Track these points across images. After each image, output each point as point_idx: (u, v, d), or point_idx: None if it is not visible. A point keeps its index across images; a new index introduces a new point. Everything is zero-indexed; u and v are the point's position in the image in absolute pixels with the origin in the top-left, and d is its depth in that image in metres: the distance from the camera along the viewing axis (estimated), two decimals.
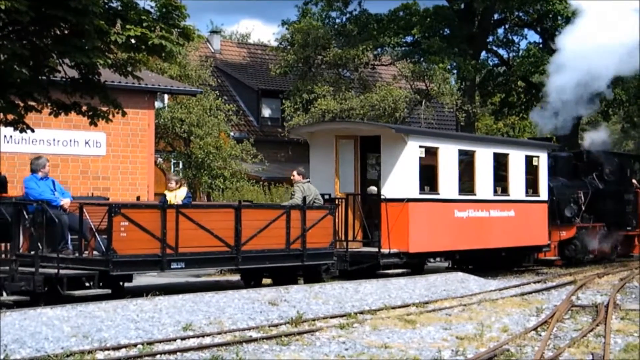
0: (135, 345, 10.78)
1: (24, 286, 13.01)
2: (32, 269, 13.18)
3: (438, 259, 22.35)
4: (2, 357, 9.83)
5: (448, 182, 19.80)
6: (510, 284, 19.24)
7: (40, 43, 14.31)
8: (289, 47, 36.44)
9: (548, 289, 18.54)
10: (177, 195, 16.38)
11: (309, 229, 16.73)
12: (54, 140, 21.69)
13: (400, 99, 31.91)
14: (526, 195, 22.23)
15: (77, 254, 14.24)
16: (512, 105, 43.40)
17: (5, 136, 20.43)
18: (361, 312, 14.07)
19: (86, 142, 22.30)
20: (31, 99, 15.18)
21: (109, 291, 13.80)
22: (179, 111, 28.29)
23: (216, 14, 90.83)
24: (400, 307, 14.97)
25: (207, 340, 11.34)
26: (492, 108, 45.45)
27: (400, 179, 18.81)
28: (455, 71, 36.31)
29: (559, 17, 35.99)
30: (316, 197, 17.71)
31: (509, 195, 21.67)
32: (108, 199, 19.00)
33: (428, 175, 19.38)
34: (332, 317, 13.52)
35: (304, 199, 17.19)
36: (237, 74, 41.32)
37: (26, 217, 13.96)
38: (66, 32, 13.98)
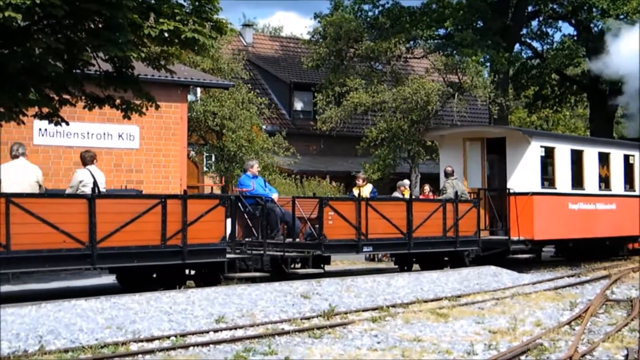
0: (168, 337, 10.85)
1: (253, 265, 15.34)
2: (261, 252, 15.61)
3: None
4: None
5: (563, 177, 22.28)
6: (544, 278, 19.12)
7: (74, 37, 14.40)
8: (321, 40, 36.40)
9: (582, 283, 18.40)
10: (363, 190, 19.85)
11: (460, 219, 19.00)
12: (88, 133, 21.83)
13: (433, 92, 31.73)
14: (624, 190, 24.51)
15: (290, 240, 16.69)
16: (545, 98, 43.06)
17: (40, 129, 20.63)
18: (393, 306, 14.05)
19: (120, 135, 22.42)
20: (66, 92, 15.28)
21: (322, 270, 16.54)
22: (212, 104, 28.40)
23: (251, 7, 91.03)
24: (432, 300, 14.93)
25: (239, 333, 11.39)
26: (525, 101, 45.09)
27: (525, 175, 21.11)
28: (488, 64, 36.04)
29: (594, 9, 35.62)
30: (463, 192, 20.09)
31: (610, 190, 24.02)
32: (141, 191, 19.14)
33: (547, 172, 21.94)
34: (364, 311, 13.52)
35: (456, 193, 19.46)
36: (270, 67, 41.38)
37: (242, 209, 16.18)
38: (100, 25, 14.04)
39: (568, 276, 19.98)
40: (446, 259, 19.56)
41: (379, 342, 10.91)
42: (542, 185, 21.46)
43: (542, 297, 15.75)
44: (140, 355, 9.84)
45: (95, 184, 13.85)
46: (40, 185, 13.72)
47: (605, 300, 15.02)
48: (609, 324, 12.57)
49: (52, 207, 12.78)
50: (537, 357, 10.09)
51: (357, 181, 20.64)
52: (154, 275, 14.54)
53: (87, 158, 14.52)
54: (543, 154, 21.55)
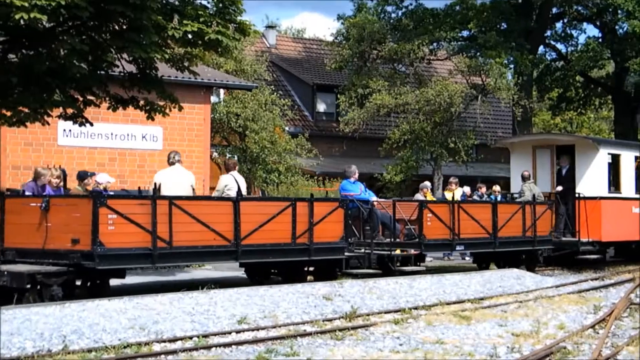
0: (191, 337, 10.88)
1: (364, 263, 16.64)
2: (368, 250, 16.83)
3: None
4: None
5: (627, 183, 23.57)
6: (568, 281, 19.01)
7: (99, 38, 14.50)
8: (344, 41, 36.39)
9: (606, 286, 18.28)
10: (455, 193, 21.14)
11: (537, 220, 20.18)
12: (111, 134, 21.93)
13: (456, 94, 31.65)
14: None
15: (390, 240, 17.55)
16: (570, 101, 42.81)
17: (64, 130, 20.76)
18: (415, 308, 14.01)
19: (143, 136, 22.50)
20: (90, 93, 15.39)
21: (423, 268, 18.06)
22: (235, 106, 28.45)
23: (275, 8, 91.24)
24: (455, 302, 14.88)
25: (261, 334, 11.40)
26: (549, 103, 44.87)
27: (594, 180, 22.39)
28: (512, 66, 35.88)
29: (620, 11, 35.37)
30: (539, 194, 21.16)
31: None
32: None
33: (613, 177, 23.18)
34: (386, 312, 13.49)
35: (533, 196, 20.69)
36: (292, 68, 41.41)
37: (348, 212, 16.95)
38: (124, 27, 14.13)
39: (592, 279, 19.85)
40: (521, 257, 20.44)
41: (401, 344, 10.89)
42: (609, 190, 22.66)
43: (565, 300, 15.66)
44: (162, 356, 9.87)
45: (238, 187, 15.58)
46: (193, 189, 15.56)
47: (629, 303, 14.90)
48: (633, 328, 12.47)
49: (205, 208, 14.50)
50: None
51: (450, 185, 22.21)
52: (274, 270, 16.45)
53: (230, 165, 16.50)
54: (610, 160, 22.80)
